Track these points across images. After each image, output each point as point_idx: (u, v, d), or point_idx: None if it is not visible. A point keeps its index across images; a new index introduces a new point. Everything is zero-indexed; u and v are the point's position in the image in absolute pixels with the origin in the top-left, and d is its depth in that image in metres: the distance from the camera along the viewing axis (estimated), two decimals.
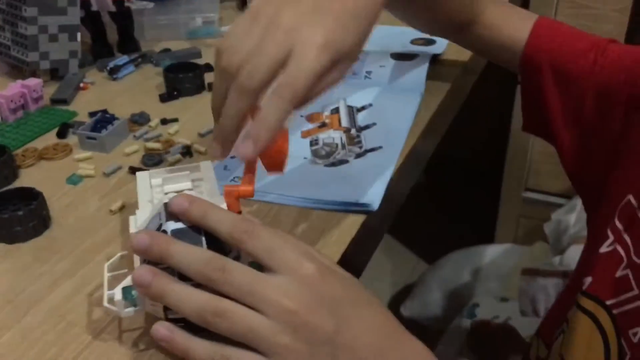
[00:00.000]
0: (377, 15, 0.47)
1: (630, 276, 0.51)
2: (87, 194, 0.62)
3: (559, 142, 0.65)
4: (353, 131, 0.70)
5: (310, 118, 0.73)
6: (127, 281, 0.42)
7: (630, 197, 0.53)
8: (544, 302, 1.13)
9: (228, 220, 0.40)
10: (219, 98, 0.45)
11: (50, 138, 0.73)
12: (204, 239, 0.40)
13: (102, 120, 0.71)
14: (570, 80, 0.62)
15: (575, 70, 0.61)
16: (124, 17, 0.92)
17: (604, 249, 0.54)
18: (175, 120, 0.75)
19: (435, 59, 0.84)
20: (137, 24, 0.95)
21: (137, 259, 0.43)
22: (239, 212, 0.45)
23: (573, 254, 1.10)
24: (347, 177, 0.63)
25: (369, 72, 0.81)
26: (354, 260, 0.55)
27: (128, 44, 0.94)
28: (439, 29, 0.74)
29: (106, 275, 0.46)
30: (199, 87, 0.81)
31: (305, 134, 0.70)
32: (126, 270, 0.46)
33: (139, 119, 0.74)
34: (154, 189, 0.52)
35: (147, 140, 0.71)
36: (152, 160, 0.66)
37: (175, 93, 0.80)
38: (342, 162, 0.65)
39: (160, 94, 0.80)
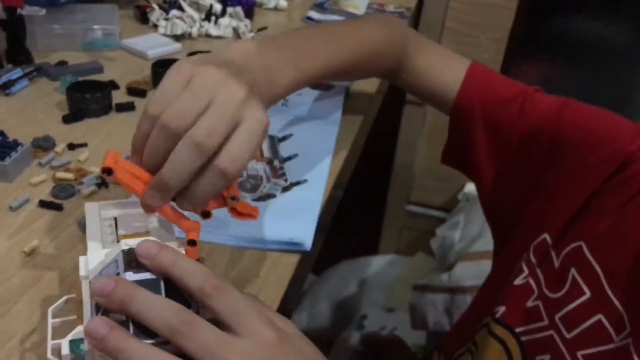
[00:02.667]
0: None
1: (541, 307, 0.56)
2: None
3: (480, 178, 0.69)
4: (276, 162, 0.70)
5: None
6: (76, 333, 0.39)
7: (546, 236, 0.58)
8: (433, 316, 1.20)
9: (200, 273, 0.38)
10: (144, 136, 0.44)
11: None
12: (163, 291, 0.39)
13: (3, 145, 0.65)
14: (499, 126, 0.66)
15: (504, 117, 0.65)
16: (15, 25, 0.84)
17: (518, 281, 0.59)
18: (84, 144, 0.70)
19: (347, 91, 0.86)
20: (29, 32, 0.87)
21: (87, 306, 0.40)
22: (198, 259, 0.43)
23: (460, 271, 1.17)
24: (277, 212, 0.62)
25: (286, 100, 0.81)
26: (291, 299, 0.55)
27: (19, 54, 0.86)
28: (366, 78, 0.77)
29: (50, 321, 0.42)
30: (106, 108, 0.77)
31: None
32: (74, 318, 0.42)
33: (44, 144, 0.68)
34: (102, 224, 0.48)
35: (55, 168, 0.65)
36: (65, 192, 0.61)
37: (80, 114, 0.75)
38: (269, 196, 0.65)
39: (63, 115, 0.74)
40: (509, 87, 0.67)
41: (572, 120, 0.61)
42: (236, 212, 0.49)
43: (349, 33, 0.66)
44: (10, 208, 0.59)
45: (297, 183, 0.67)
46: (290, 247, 0.58)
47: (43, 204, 0.60)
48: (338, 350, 1.40)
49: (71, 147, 0.69)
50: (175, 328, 0.36)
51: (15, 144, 0.65)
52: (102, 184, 0.63)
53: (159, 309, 0.36)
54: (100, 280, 0.37)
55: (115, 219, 0.49)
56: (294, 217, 0.61)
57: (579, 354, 0.51)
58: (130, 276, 0.39)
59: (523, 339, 0.57)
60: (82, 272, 0.42)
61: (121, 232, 0.47)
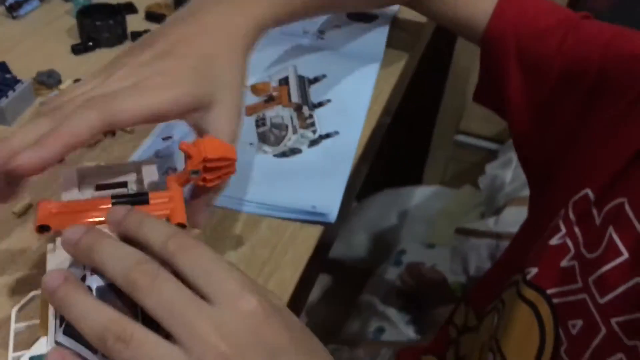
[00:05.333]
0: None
1: (577, 268, 0.50)
2: None
3: (514, 121, 0.61)
4: (305, 109, 0.61)
5: (254, 89, 0.63)
6: (38, 348, 0.34)
7: (588, 191, 0.51)
8: (475, 261, 1.13)
9: (164, 231, 0.33)
10: None
11: None
12: (139, 311, 0.32)
13: (1, 82, 0.58)
14: (535, 62, 0.57)
15: (541, 50, 0.57)
16: None
17: (554, 241, 0.53)
18: None
19: (392, 20, 0.75)
20: None
21: (52, 314, 0.35)
22: (183, 225, 0.37)
23: (508, 217, 1.09)
24: (301, 173, 0.55)
25: (321, 32, 0.71)
26: (306, 282, 0.48)
27: None
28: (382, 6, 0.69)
29: (13, 326, 0.37)
30: (120, 37, 0.69)
31: (250, 111, 0.61)
32: (37, 322, 0.36)
33: (47, 80, 0.61)
34: (83, 192, 0.42)
35: None
36: None
37: (90, 44, 0.67)
38: (294, 151, 0.57)
39: (72, 45, 0.67)
40: (549, 14, 0.57)
41: (622, 55, 0.52)
42: (206, 183, 0.41)
43: None
44: None
45: (327, 135, 0.59)
46: (312, 217, 0.51)
47: None
48: (374, 286, 1.36)
49: None
50: (135, 280, 0.31)
51: (14, 81, 0.58)
52: (107, 131, 0.56)
53: (119, 258, 0.32)
54: (70, 229, 0.34)
55: (97, 186, 0.42)
56: (319, 179, 0.54)
57: (613, 320, 0.46)
58: (96, 281, 0.33)
59: (555, 301, 0.51)
60: (49, 265, 0.36)
61: None
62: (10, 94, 0.57)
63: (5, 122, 0.57)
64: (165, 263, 0.32)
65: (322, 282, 1.48)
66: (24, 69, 0.62)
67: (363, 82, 0.65)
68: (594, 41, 0.54)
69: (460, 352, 0.71)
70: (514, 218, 1.08)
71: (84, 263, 0.34)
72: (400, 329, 1.26)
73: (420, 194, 1.59)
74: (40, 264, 0.45)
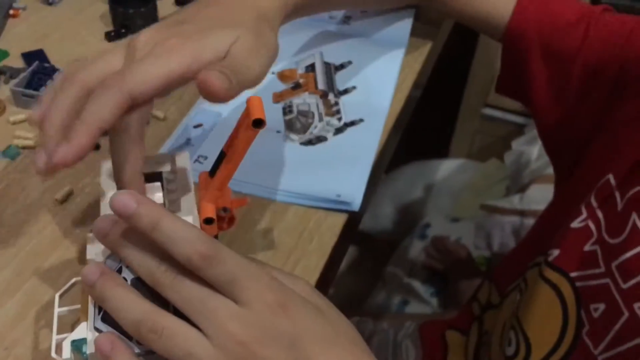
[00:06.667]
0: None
1: (599, 253, 0.51)
2: (27, 173, 0.54)
3: (538, 111, 0.62)
4: (331, 96, 0.63)
5: (282, 76, 0.65)
6: (79, 332, 0.37)
7: (610, 177, 0.52)
8: (499, 238, 1.14)
9: (187, 238, 0.33)
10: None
11: None
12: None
13: (40, 71, 0.61)
14: (559, 57, 0.58)
15: (564, 45, 0.57)
16: None
17: (575, 224, 0.54)
18: None
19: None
20: None
21: (91, 300, 0.37)
22: (211, 219, 0.39)
23: (533, 195, 1.09)
24: (326, 161, 0.56)
25: (347, 18, 0.72)
26: (332, 267, 0.50)
27: None
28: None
29: (56, 310, 0.40)
30: (151, 24, 0.70)
31: (277, 98, 0.63)
32: (78, 307, 0.39)
33: None
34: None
35: None
36: None
37: (123, 31, 0.69)
38: (320, 139, 0.59)
39: (106, 31, 0.69)
40: (570, 9, 0.57)
41: None
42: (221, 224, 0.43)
43: None
44: None
45: (352, 123, 0.60)
46: (337, 205, 0.53)
47: None
48: (399, 259, 1.39)
49: None
50: (157, 279, 0.34)
51: (52, 70, 0.61)
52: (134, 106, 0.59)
53: (143, 258, 0.34)
54: (100, 220, 0.35)
55: None
56: (344, 168, 0.56)
57: (636, 305, 0.47)
58: (132, 272, 0.35)
59: (578, 284, 0.52)
60: (88, 254, 0.39)
61: None
62: (49, 83, 0.59)
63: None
64: None
65: (348, 254, 1.50)
66: (59, 56, 0.65)
67: (388, 68, 0.66)
68: (616, 33, 0.55)
69: (484, 328, 0.73)
70: (538, 196, 1.08)
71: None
72: (424, 301, 1.28)
73: (446, 167, 1.60)
74: (81, 250, 0.48)
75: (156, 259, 0.34)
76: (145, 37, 0.40)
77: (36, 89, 0.59)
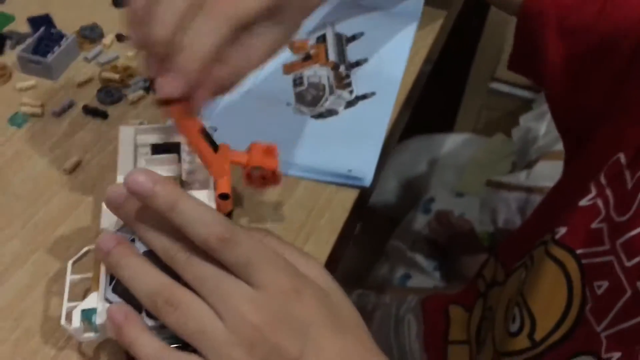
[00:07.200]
0: None
1: (605, 230, 0.51)
2: (34, 141, 0.53)
3: (552, 87, 0.61)
4: (342, 68, 0.62)
5: (293, 47, 0.64)
6: (89, 301, 0.36)
7: (621, 155, 0.52)
8: (504, 214, 1.14)
9: (203, 219, 0.33)
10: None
11: None
12: None
13: (47, 37, 0.60)
14: (576, 31, 0.57)
15: (581, 18, 0.56)
16: None
17: (584, 202, 0.53)
18: None
19: None
20: None
21: (103, 269, 0.37)
22: (227, 195, 0.39)
23: (540, 171, 1.09)
24: (338, 135, 0.56)
25: None
26: (343, 243, 0.50)
27: None
28: None
29: (68, 278, 0.39)
30: None
31: (288, 69, 0.61)
32: (90, 275, 0.39)
33: (90, 34, 0.63)
34: (139, 150, 0.44)
35: (102, 65, 0.60)
36: (110, 96, 0.57)
37: None
38: (331, 112, 0.58)
39: None
40: None
41: None
42: (256, 181, 0.43)
43: None
44: (53, 113, 0.55)
45: (364, 97, 0.59)
46: (348, 180, 0.52)
47: (87, 111, 0.55)
48: (402, 233, 1.39)
49: (120, 38, 0.63)
50: (172, 257, 0.34)
51: (59, 36, 0.60)
52: (149, 88, 0.58)
53: (158, 236, 0.34)
54: (112, 190, 0.35)
55: (152, 146, 0.45)
56: (355, 142, 0.55)
57: (639, 284, 0.46)
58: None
59: (584, 261, 0.52)
60: (102, 223, 0.38)
61: None
62: (56, 49, 0.58)
63: (51, 76, 0.58)
64: None
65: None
66: (66, 22, 0.63)
67: (401, 41, 0.65)
68: (633, 5, 0.53)
69: (487, 305, 0.73)
70: (546, 172, 1.08)
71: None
72: (427, 276, 1.29)
73: (451, 142, 1.59)
74: (92, 219, 0.47)
75: (171, 236, 0.34)
76: None
77: (43, 55, 0.58)
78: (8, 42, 0.62)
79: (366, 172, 0.52)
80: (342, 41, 0.64)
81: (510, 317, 0.58)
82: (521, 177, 1.11)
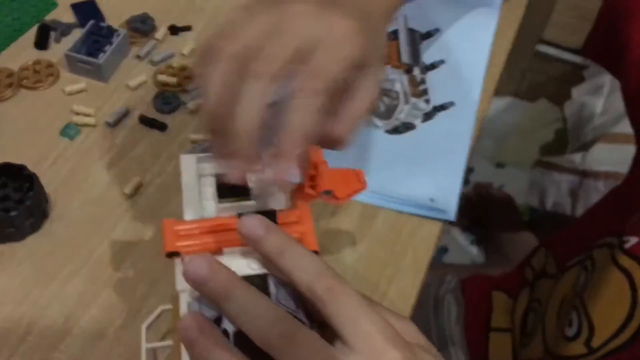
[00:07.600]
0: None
1: None
2: (89, 157, 0.49)
3: (631, 79, 0.56)
4: (416, 71, 0.56)
5: None
6: None
7: None
8: (554, 196, 1.09)
9: (311, 267, 0.31)
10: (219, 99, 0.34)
11: (24, 45, 0.56)
12: (272, 287, 0.33)
13: (96, 32, 0.54)
14: None
15: None
16: None
17: None
18: (188, 28, 0.58)
19: None
20: None
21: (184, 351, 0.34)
22: (316, 252, 0.35)
23: (597, 154, 1.03)
24: (416, 155, 0.51)
25: None
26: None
27: None
28: None
29: (144, 346, 0.36)
30: None
31: None
32: (170, 343, 0.36)
33: (142, 27, 0.57)
34: (202, 181, 0.39)
35: (156, 63, 0.55)
36: (168, 104, 0.52)
37: None
38: (407, 126, 0.53)
39: None
40: None
41: None
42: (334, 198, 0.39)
43: None
44: (108, 124, 0.51)
45: (442, 107, 0.54)
46: (430, 213, 0.48)
47: (144, 121, 0.51)
48: None
49: (174, 31, 0.58)
50: (270, 343, 0.30)
51: (109, 32, 0.54)
52: None
53: (254, 316, 0.31)
54: (192, 264, 0.32)
55: (217, 176, 0.40)
56: (436, 165, 0.50)
57: None
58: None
59: None
60: (178, 284, 0.34)
61: None
62: (107, 48, 0.53)
63: (102, 78, 0.53)
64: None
65: None
66: (113, 9, 0.58)
67: (480, 38, 0.59)
68: None
69: (535, 296, 0.71)
70: (603, 156, 1.02)
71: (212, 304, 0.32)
72: (464, 249, 1.26)
73: (491, 106, 1.52)
74: (155, 256, 0.44)
75: (267, 315, 0.30)
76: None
77: (92, 54, 0.53)
78: (52, 35, 0.56)
79: (449, 202, 0.48)
80: (416, 38, 0.59)
81: (566, 319, 0.57)
82: (576, 160, 1.05)
